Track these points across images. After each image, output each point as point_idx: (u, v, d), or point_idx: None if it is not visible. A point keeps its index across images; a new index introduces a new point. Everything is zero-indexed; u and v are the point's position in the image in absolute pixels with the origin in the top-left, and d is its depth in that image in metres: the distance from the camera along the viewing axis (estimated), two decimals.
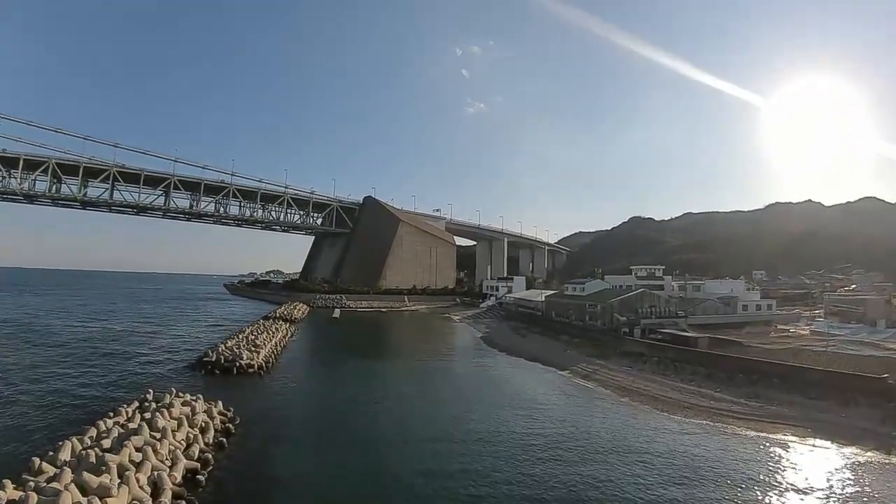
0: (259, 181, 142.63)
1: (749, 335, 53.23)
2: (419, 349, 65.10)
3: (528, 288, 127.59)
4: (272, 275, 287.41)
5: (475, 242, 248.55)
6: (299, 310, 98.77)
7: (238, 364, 41.16)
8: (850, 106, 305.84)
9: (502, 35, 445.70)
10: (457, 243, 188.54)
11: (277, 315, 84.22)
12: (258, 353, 44.72)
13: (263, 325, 66.13)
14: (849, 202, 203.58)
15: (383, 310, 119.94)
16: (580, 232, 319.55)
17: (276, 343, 53.03)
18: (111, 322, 79.59)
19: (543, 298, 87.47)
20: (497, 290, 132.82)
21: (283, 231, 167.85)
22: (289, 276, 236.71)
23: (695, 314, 64.24)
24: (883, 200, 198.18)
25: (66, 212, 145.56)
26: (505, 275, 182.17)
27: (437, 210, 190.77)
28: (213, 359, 42.51)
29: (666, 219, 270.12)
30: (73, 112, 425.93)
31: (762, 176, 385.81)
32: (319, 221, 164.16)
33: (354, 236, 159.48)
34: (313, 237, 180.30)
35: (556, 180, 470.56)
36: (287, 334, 64.15)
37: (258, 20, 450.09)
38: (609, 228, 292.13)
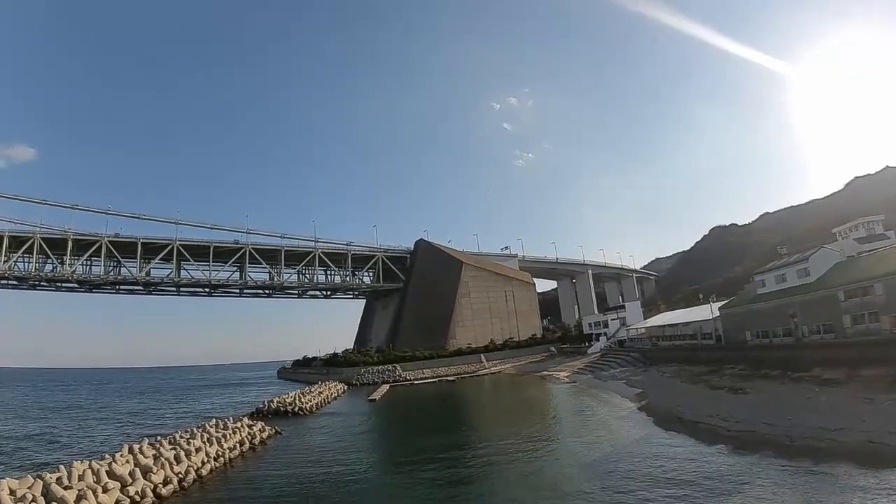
0: (282, 237, 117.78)
1: None
2: (523, 481, 22.50)
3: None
4: (343, 352, 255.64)
5: (553, 284, 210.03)
6: (322, 394, 65.02)
7: None
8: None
9: (534, 78, 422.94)
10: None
11: (272, 407, 51.68)
12: None
13: (200, 431, 33.35)
14: None
15: (451, 378, 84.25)
16: (657, 258, 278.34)
17: (160, 483, 19.74)
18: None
19: (718, 312, 48.90)
20: (606, 325, 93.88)
21: (325, 296, 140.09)
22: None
23: None
24: None
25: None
26: (595, 312, 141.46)
27: (507, 248, 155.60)
28: None
29: (748, 222, 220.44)
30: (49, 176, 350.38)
31: (815, 157, 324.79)
32: (367, 280, 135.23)
33: (409, 291, 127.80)
34: (364, 300, 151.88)
35: (621, 210, 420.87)
36: (236, 452, 30.73)
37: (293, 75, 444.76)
38: (689, 248, 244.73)
